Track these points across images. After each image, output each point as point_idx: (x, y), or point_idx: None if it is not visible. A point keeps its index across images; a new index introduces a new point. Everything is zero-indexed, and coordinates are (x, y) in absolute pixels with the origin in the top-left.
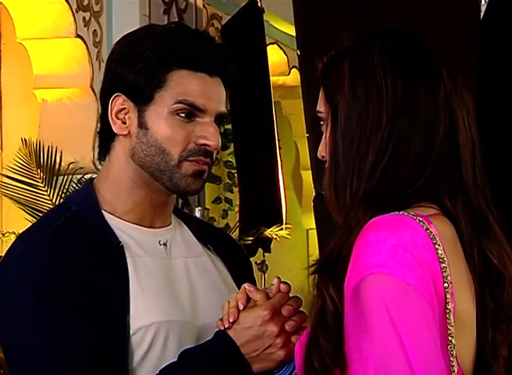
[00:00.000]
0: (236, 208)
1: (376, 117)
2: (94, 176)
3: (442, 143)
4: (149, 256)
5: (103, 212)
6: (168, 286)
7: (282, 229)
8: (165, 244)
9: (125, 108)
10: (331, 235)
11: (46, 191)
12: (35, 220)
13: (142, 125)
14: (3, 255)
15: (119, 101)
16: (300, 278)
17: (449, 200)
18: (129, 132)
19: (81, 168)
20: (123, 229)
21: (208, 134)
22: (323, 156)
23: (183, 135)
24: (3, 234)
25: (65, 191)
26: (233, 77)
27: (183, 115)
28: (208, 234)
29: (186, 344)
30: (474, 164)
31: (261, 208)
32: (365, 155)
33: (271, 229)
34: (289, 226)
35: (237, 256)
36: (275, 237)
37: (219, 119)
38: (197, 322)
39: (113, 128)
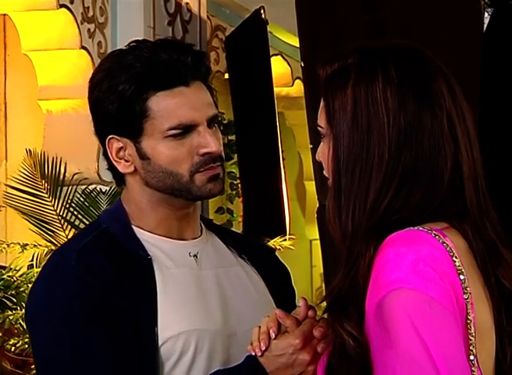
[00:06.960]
0: (239, 219)
1: (377, 155)
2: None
3: (450, 177)
4: (178, 268)
5: (133, 227)
6: (198, 296)
7: (285, 239)
8: (195, 256)
9: (122, 147)
10: (334, 254)
11: (50, 201)
12: (39, 231)
13: (143, 156)
14: (7, 265)
15: (114, 143)
16: (304, 290)
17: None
18: (135, 168)
19: (85, 179)
20: (153, 242)
21: (207, 142)
22: (321, 160)
23: (184, 153)
24: (8, 245)
25: (69, 201)
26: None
27: (177, 136)
28: (241, 245)
29: (217, 353)
30: (478, 193)
31: (265, 219)
32: (366, 191)
33: (274, 239)
34: (293, 236)
35: (273, 266)
36: (278, 247)
37: (213, 121)
38: (228, 331)
39: (119, 169)
